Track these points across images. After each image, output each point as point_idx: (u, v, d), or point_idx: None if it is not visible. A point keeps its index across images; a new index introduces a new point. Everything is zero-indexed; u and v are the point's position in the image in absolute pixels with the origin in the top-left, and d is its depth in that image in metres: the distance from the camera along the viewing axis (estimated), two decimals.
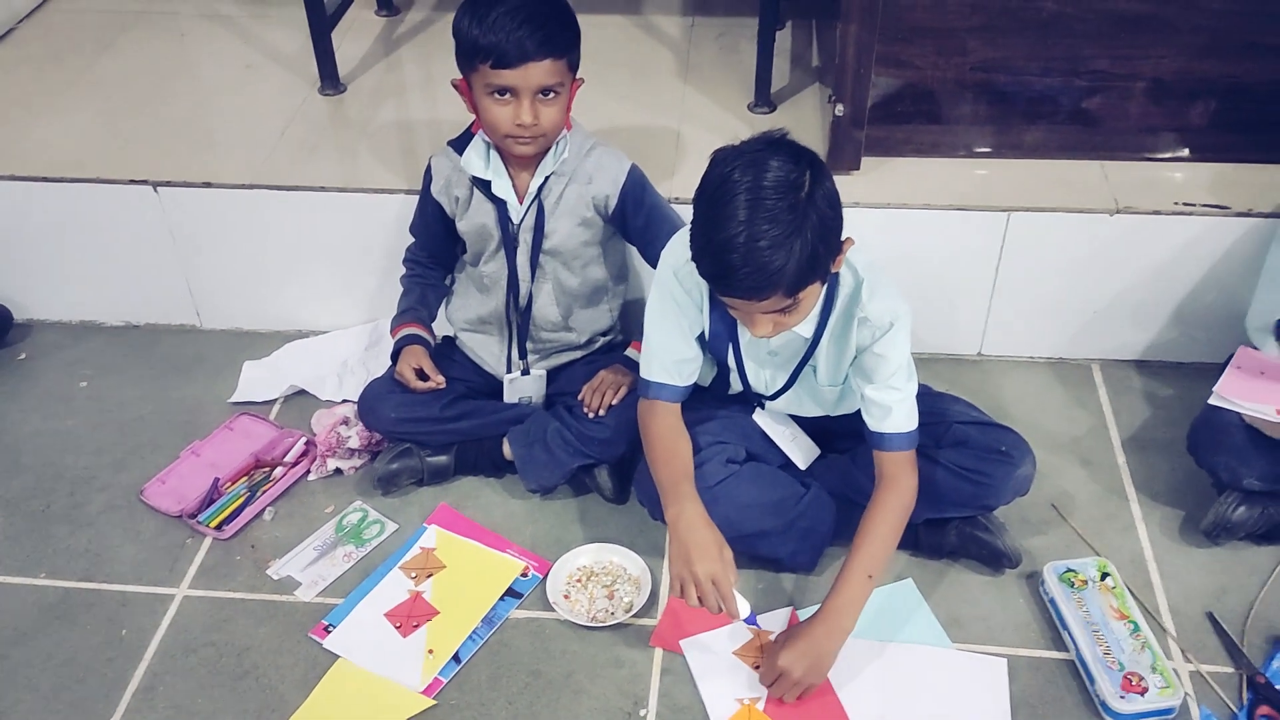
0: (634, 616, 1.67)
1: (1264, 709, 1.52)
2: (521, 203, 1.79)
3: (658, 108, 2.25)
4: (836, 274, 1.56)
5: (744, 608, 1.55)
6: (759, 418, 1.79)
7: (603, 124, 2.14)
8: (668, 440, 1.64)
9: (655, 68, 2.39)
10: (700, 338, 1.67)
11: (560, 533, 1.83)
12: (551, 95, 1.67)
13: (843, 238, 1.46)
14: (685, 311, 1.63)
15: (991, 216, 1.94)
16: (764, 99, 2.20)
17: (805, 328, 1.59)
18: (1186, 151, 2.02)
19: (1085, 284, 2.02)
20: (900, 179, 2.02)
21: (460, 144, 1.80)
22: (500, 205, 1.79)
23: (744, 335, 1.66)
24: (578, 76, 1.72)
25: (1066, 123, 2.01)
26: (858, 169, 2.01)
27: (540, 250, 1.81)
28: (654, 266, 1.71)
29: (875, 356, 1.58)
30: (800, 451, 1.80)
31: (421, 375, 1.85)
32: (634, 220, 1.80)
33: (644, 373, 1.68)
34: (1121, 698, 1.52)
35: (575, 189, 1.79)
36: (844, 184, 1.95)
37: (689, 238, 1.45)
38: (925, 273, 2.03)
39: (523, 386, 1.91)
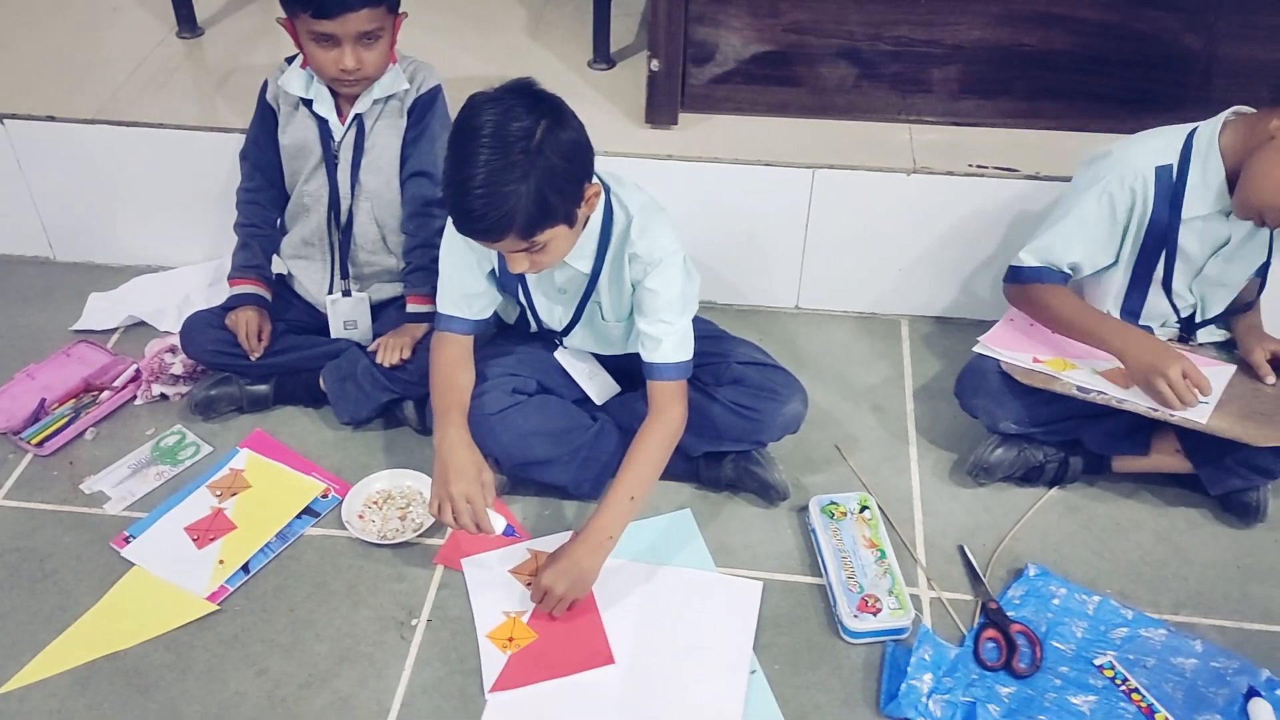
0: (422, 536, 1.77)
1: (990, 632, 1.64)
2: (343, 122, 1.88)
3: (502, 61, 2.32)
4: (611, 213, 1.66)
5: (499, 524, 1.64)
6: (559, 355, 1.89)
7: (445, 74, 2.22)
8: (447, 370, 1.73)
9: (507, 24, 2.47)
10: (492, 274, 1.76)
11: (367, 460, 1.92)
12: (373, 39, 1.76)
13: (589, 182, 1.55)
14: (474, 247, 1.71)
15: (798, 173, 2.04)
16: (602, 56, 2.28)
17: (584, 264, 1.68)
18: (986, 117, 2.12)
19: (889, 241, 2.13)
20: (716, 135, 2.11)
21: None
22: (322, 123, 1.88)
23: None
24: (400, 11, 1.81)
25: (874, 86, 2.10)
26: (675, 124, 2.11)
27: (359, 167, 1.89)
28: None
29: (647, 291, 1.67)
30: (597, 388, 1.89)
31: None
32: (410, 131, 1.88)
33: (438, 305, 1.77)
34: (855, 617, 1.63)
35: (394, 105, 1.88)
36: (662, 139, 2.10)
37: None
38: (740, 226, 2.13)
39: (345, 309, 1.98)
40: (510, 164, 1.44)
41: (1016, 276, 1.82)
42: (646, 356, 1.69)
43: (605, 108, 2.18)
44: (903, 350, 2.17)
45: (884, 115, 2.12)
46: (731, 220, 2.12)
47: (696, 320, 1.90)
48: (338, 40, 1.74)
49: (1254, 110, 1.69)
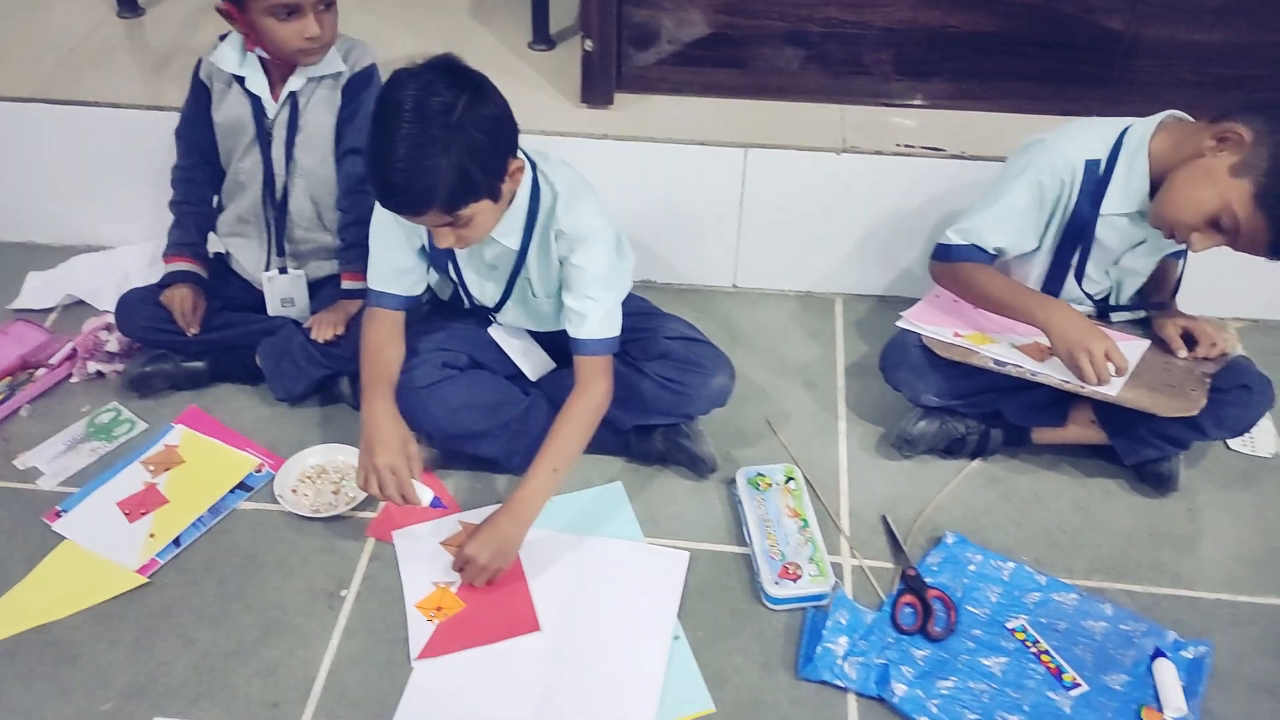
0: (355, 510, 1.79)
1: (908, 597, 1.68)
2: (277, 100, 1.89)
3: (442, 41, 2.33)
4: (538, 189, 1.68)
5: (425, 495, 1.67)
6: (493, 331, 1.91)
7: (384, 54, 2.23)
8: (376, 344, 1.74)
9: (448, 4, 2.48)
10: (422, 250, 1.78)
11: (303, 435, 1.93)
12: (330, 5, 1.80)
13: (513, 157, 1.57)
14: (404, 224, 1.73)
15: (730, 152, 2.07)
16: (542, 37, 2.30)
17: (512, 239, 1.71)
18: (915, 98, 2.16)
19: (822, 220, 2.16)
20: (652, 115, 2.14)
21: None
22: (255, 100, 1.89)
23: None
24: None
25: (806, 67, 2.13)
26: (611, 104, 2.13)
27: (294, 145, 1.91)
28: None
29: (573, 267, 1.70)
30: (531, 364, 1.92)
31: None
32: (345, 109, 1.90)
33: (368, 281, 1.79)
34: (776, 584, 1.67)
35: (329, 82, 1.90)
36: (598, 119, 2.12)
37: None
38: (677, 206, 2.16)
39: (282, 286, 1.99)
40: (431, 138, 1.46)
41: (945, 255, 1.84)
42: (572, 331, 1.71)
43: (544, 88, 2.20)
44: (836, 328, 2.20)
45: (816, 96, 2.15)
46: (668, 200, 2.15)
47: (630, 297, 1.94)
48: (301, 10, 1.76)
49: (1190, 119, 1.70)
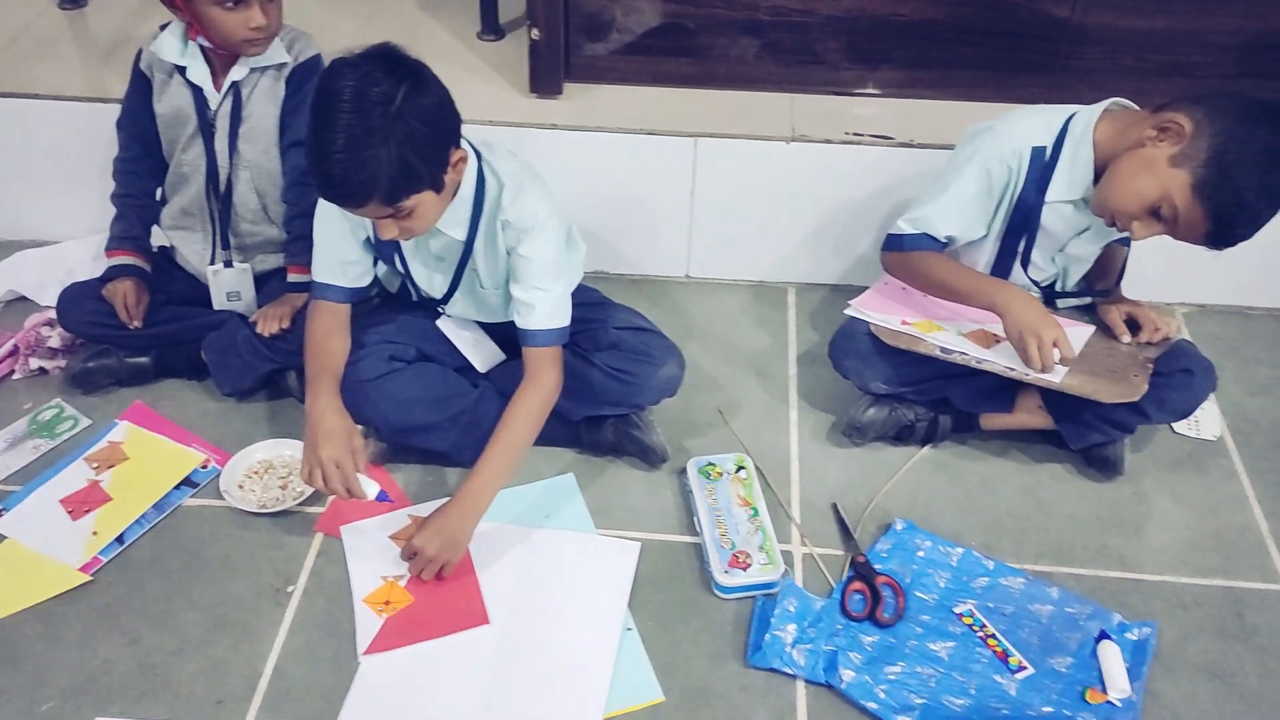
0: (302, 505, 1.77)
1: (857, 584, 1.69)
2: (219, 90, 1.86)
3: (389, 32, 2.28)
4: (484, 180, 1.67)
5: (371, 489, 1.66)
6: (442, 323, 1.89)
7: (331, 45, 2.20)
8: (320, 337, 1.73)
9: None
10: (368, 241, 1.77)
11: (250, 430, 1.91)
12: None
13: (455, 147, 1.56)
14: (349, 215, 1.71)
15: (680, 142, 2.07)
16: (491, 27, 2.29)
17: (458, 231, 1.69)
18: (864, 86, 2.16)
19: (773, 210, 2.16)
20: (601, 105, 2.13)
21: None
22: (197, 91, 1.86)
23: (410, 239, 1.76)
24: None
25: (755, 55, 2.13)
26: (560, 94, 2.12)
27: (238, 136, 1.88)
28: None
29: (520, 258, 1.69)
30: (481, 356, 1.90)
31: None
32: (289, 100, 1.87)
33: (313, 273, 1.77)
34: (726, 572, 1.67)
35: (273, 73, 1.87)
36: (547, 108, 2.11)
37: None
38: (628, 196, 2.16)
39: (227, 280, 1.97)
40: (370, 129, 1.45)
41: (897, 245, 1.84)
42: (520, 323, 1.70)
43: (492, 78, 2.19)
44: (789, 317, 2.21)
45: (766, 85, 2.15)
46: (618, 190, 2.14)
47: (581, 288, 1.93)
48: (248, 0, 1.74)
49: (1134, 107, 1.71)
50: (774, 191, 2.12)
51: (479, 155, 1.67)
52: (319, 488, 1.63)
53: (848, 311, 1.86)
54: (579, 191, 2.13)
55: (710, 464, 1.83)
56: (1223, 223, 1.58)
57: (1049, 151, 1.72)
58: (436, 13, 2.39)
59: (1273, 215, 1.58)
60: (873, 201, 2.12)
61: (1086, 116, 1.72)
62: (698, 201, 2.14)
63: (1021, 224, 1.78)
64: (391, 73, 1.48)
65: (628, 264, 2.26)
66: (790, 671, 1.57)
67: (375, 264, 1.80)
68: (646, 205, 2.16)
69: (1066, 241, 1.80)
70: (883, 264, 1.88)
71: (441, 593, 1.65)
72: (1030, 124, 1.75)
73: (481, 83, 2.17)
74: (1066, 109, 1.75)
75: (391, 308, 1.90)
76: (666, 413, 1.95)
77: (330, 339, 1.73)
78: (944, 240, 1.80)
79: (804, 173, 2.09)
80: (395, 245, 1.76)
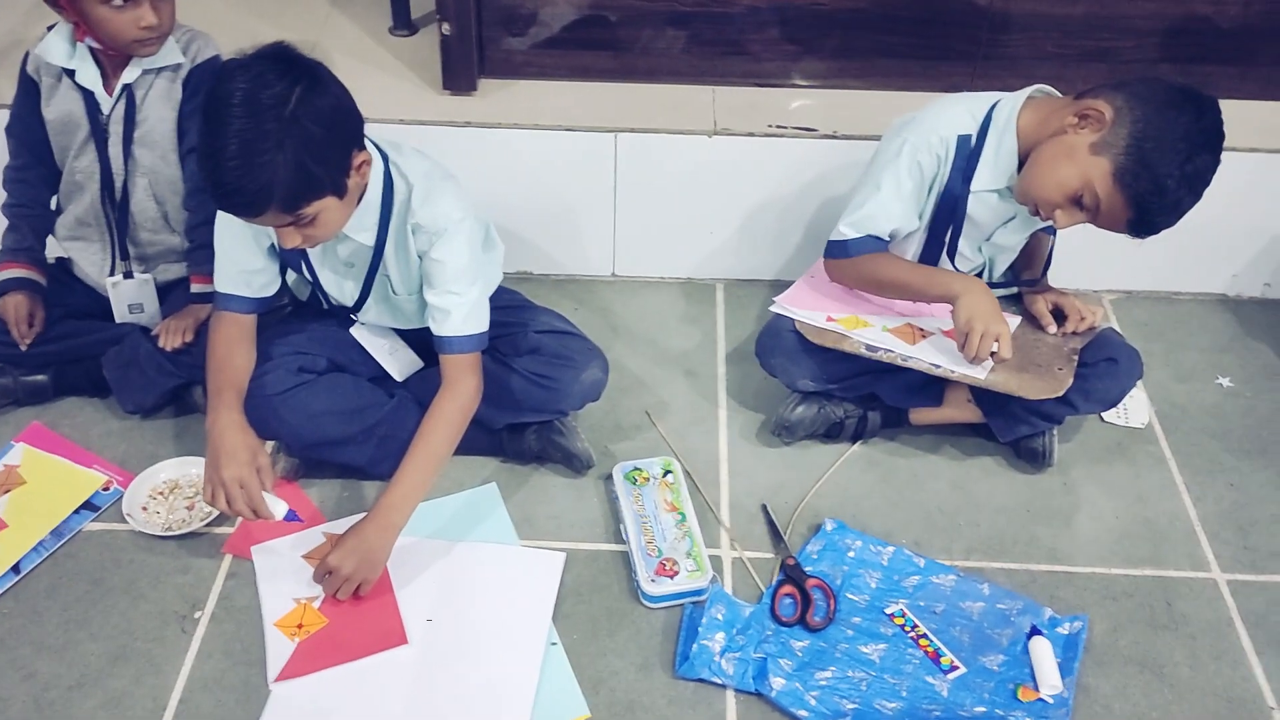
0: (210, 526, 1.70)
1: (787, 588, 1.65)
2: (111, 94, 1.77)
3: (298, 28, 2.23)
4: (391, 182, 1.61)
5: (279, 509, 1.59)
6: (356, 331, 1.82)
7: (237, 41, 2.12)
8: (223, 351, 1.65)
9: None
10: (272, 249, 1.69)
11: (156, 449, 1.83)
12: None
13: (358, 150, 1.49)
14: (251, 223, 1.65)
15: (600, 137, 2.01)
16: (403, 22, 2.22)
17: (366, 236, 1.63)
18: (787, 77, 2.12)
19: (698, 205, 2.12)
20: (517, 101, 2.07)
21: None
22: (88, 94, 1.77)
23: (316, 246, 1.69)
24: None
25: (676, 48, 2.08)
26: (475, 90, 2.06)
27: (132, 141, 1.79)
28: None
29: (434, 262, 1.62)
30: (398, 364, 1.84)
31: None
32: (186, 104, 1.79)
33: (215, 284, 1.69)
34: (653, 581, 1.62)
35: (169, 75, 1.78)
36: (461, 105, 2.04)
37: None
38: (549, 194, 2.10)
39: (128, 292, 1.87)
40: (264, 133, 1.37)
41: (843, 251, 1.77)
42: (436, 329, 1.64)
43: (405, 75, 2.11)
44: (717, 315, 2.17)
45: (687, 78, 2.11)
46: (539, 188, 2.09)
47: (501, 290, 1.88)
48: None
49: (1057, 94, 1.69)
50: (697, 186, 2.08)
51: (385, 157, 1.61)
52: (222, 509, 1.56)
53: (772, 308, 1.83)
54: (497, 190, 2.07)
55: (636, 469, 1.79)
56: (1144, 210, 1.56)
57: (974, 140, 1.70)
58: (348, 8, 2.31)
59: (1194, 202, 1.57)
60: (799, 195, 2.08)
61: (1010, 104, 1.69)
62: (620, 198, 2.09)
63: (948, 214, 1.75)
64: (285, 73, 1.40)
65: (552, 264, 2.20)
66: (719, 681, 1.53)
67: (283, 272, 1.73)
68: (568, 203, 2.11)
69: (992, 231, 1.77)
70: (828, 272, 1.82)
71: (357, 613, 1.59)
72: (955, 112, 1.72)
73: (393, 80, 2.09)
74: (990, 97, 1.72)
75: (302, 317, 1.82)
76: (592, 417, 1.90)
77: (233, 352, 1.65)
78: (887, 239, 1.76)
79: (727, 167, 2.05)
80: (302, 253, 1.68)
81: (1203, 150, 1.53)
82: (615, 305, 2.18)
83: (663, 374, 2.03)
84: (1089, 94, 1.60)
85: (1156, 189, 1.54)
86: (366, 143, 1.56)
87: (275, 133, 1.38)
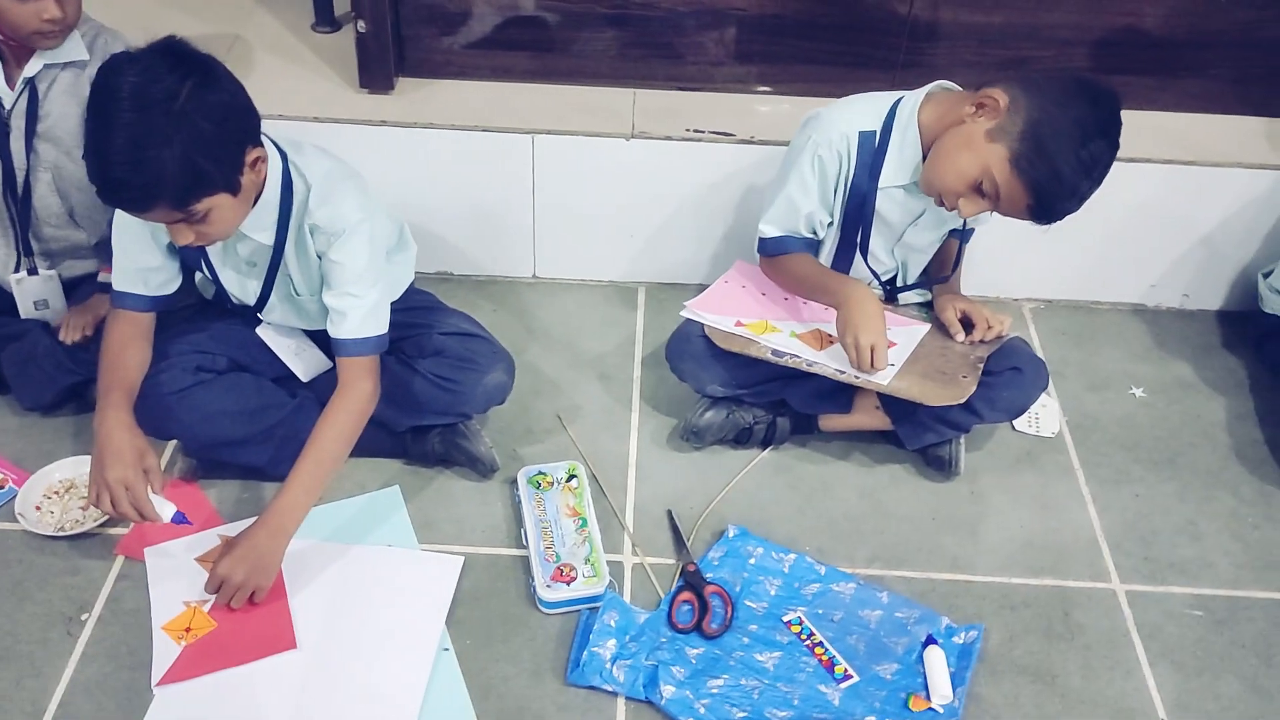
0: (105, 526, 1.67)
1: (686, 594, 1.64)
2: (13, 88, 1.74)
3: (219, 22, 2.21)
4: (290, 182, 1.59)
5: (166, 511, 1.56)
6: (262, 331, 1.80)
7: (158, 35, 2.09)
8: (116, 349, 1.63)
9: None
10: (171, 247, 1.66)
11: (54, 447, 1.80)
12: None
13: (253, 147, 1.47)
14: (142, 219, 1.62)
15: (517, 138, 2.00)
16: (325, 19, 2.19)
17: (265, 235, 1.61)
18: (708, 81, 2.11)
19: (619, 208, 2.11)
20: (436, 100, 2.05)
21: None
22: None
23: (215, 244, 1.67)
24: None
25: (596, 50, 2.07)
26: (392, 89, 2.04)
27: (35, 135, 1.75)
28: None
29: (332, 263, 1.60)
30: (304, 365, 1.82)
31: None
32: None
33: (113, 281, 1.67)
34: (549, 586, 1.61)
35: (75, 70, 1.75)
36: (378, 104, 2.02)
37: None
38: (468, 195, 2.08)
39: (32, 289, 1.84)
40: (151, 128, 1.35)
41: (763, 249, 1.81)
42: (332, 331, 1.62)
43: (324, 72, 2.09)
44: (637, 318, 2.16)
45: (610, 80, 2.09)
46: (458, 189, 2.07)
47: (413, 291, 1.86)
48: None
49: (958, 88, 1.71)
50: (617, 190, 2.06)
51: (284, 155, 1.59)
52: (106, 511, 1.53)
53: (682, 313, 1.82)
54: (415, 190, 2.05)
55: (541, 473, 1.77)
56: (1041, 196, 1.57)
57: (878, 136, 1.71)
58: (271, 4, 2.28)
59: (1092, 189, 1.58)
60: (716, 199, 2.08)
61: (912, 100, 1.71)
62: (539, 200, 2.08)
63: (857, 212, 1.76)
64: (175, 68, 1.38)
65: (473, 265, 2.19)
66: (610, 689, 1.52)
67: (184, 270, 1.71)
68: (487, 205, 2.09)
69: (903, 230, 1.78)
70: (762, 271, 1.86)
71: (247, 617, 1.56)
72: (856, 109, 1.74)
73: (312, 76, 2.07)
74: (893, 95, 1.74)
75: (207, 316, 1.80)
76: (503, 419, 1.89)
77: (126, 350, 1.63)
78: (808, 234, 1.77)
79: (646, 170, 2.03)
80: (202, 251, 1.66)
81: (1097, 136, 1.54)
82: (535, 307, 2.16)
83: (577, 377, 2.02)
84: (986, 84, 1.62)
85: (1053, 174, 1.54)
86: (265, 141, 1.55)
87: (164, 127, 1.36)
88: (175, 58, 1.40)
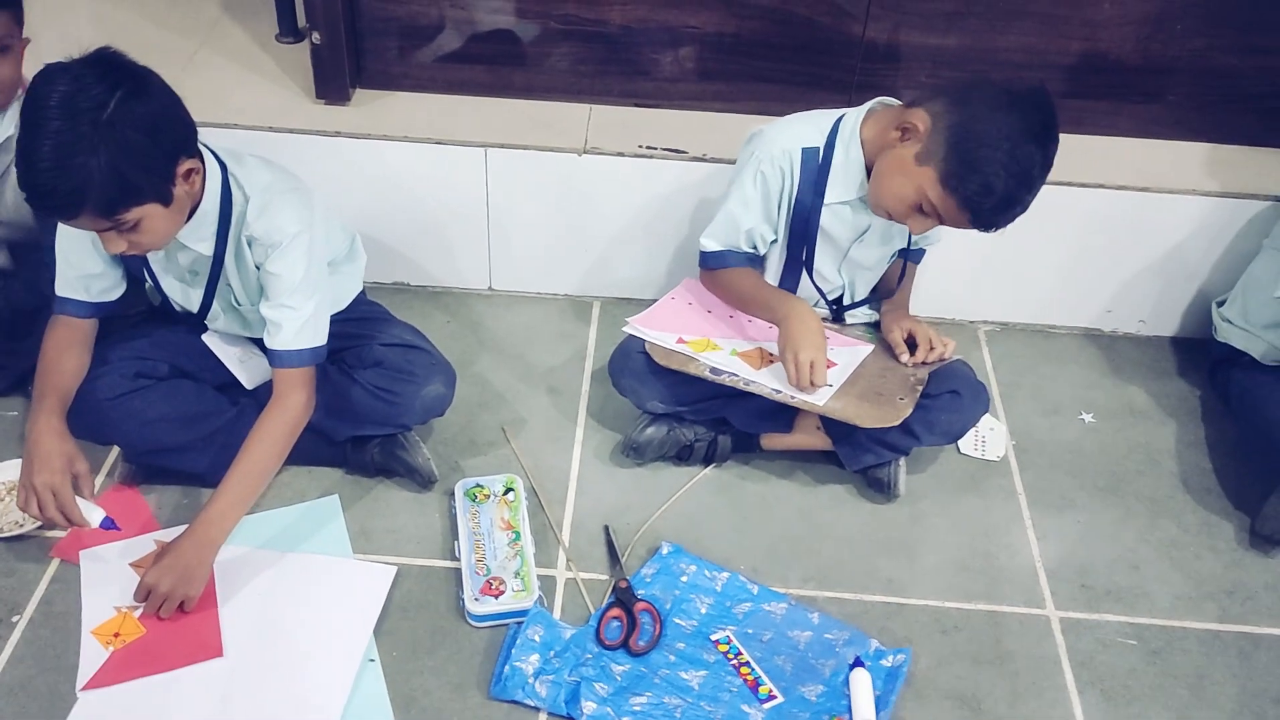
0: (42, 529, 1.68)
1: (615, 610, 1.64)
2: None
3: (185, 31, 2.23)
4: (229, 193, 1.60)
5: (95, 516, 1.57)
6: (208, 338, 1.81)
7: (122, 43, 2.12)
8: (53, 354, 1.64)
9: None
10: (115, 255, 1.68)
11: (1, 449, 1.82)
12: (6, 51, 1.67)
13: (186, 158, 1.48)
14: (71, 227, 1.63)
15: (470, 151, 2.01)
16: (288, 30, 2.21)
17: (203, 246, 1.62)
18: (661, 98, 2.11)
19: (573, 222, 2.11)
20: (391, 112, 2.06)
21: None
22: None
23: (156, 251, 1.68)
24: (25, 36, 1.72)
25: (549, 64, 2.08)
26: (348, 101, 2.05)
27: None
28: None
29: (269, 275, 1.61)
30: (248, 372, 1.82)
31: None
32: None
33: (55, 287, 1.67)
34: (477, 600, 1.61)
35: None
36: (333, 115, 2.03)
37: None
38: (423, 207, 2.09)
39: None
40: (78, 136, 1.36)
41: (704, 263, 1.82)
42: (268, 341, 1.63)
43: (284, 82, 2.10)
44: (590, 332, 2.16)
45: (564, 95, 2.10)
46: (413, 200, 2.08)
47: (360, 301, 1.88)
48: None
49: (898, 103, 1.71)
50: (570, 204, 2.07)
51: (224, 166, 1.60)
52: (34, 515, 1.54)
53: (625, 329, 1.82)
54: (370, 201, 2.06)
55: (478, 485, 1.78)
56: (977, 210, 1.57)
57: (821, 153, 1.71)
58: (237, 13, 2.30)
59: (1031, 195, 1.57)
60: (669, 215, 2.08)
61: (853, 117, 1.71)
62: (493, 213, 2.09)
63: (802, 228, 1.76)
64: (105, 77, 1.40)
65: (428, 276, 2.20)
66: (532, 703, 1.53)
67: (131, 278, 1.72)
68: (442, 217, 2.10)
69: (849, 247, 1.78)
70: (703, 284, 1.86)
71: (176, 624, 1.57)
72: (799, 127, 1.75)
73: (272, 87, 2.09)
74: (836, 112, 1.75)
75: (153, 322, 1.81)
76: (447, 431, 1.90)
77: (64, 356, 1.64)
78: (749, 250, 1.78)
79: (599, 186, 2.04)
80: (143, 259, 1.67)
81: (1026, 142, 1.53)
82: (488, 319, 2.17)
83: (525, 390, 2.02)
84: (912, 103, 1.63)
85: (984, 189, 1.54)
86: (204, 151, 1.56)
87: (90, 136, 1.37)
88: (106, 68, 1.42)
